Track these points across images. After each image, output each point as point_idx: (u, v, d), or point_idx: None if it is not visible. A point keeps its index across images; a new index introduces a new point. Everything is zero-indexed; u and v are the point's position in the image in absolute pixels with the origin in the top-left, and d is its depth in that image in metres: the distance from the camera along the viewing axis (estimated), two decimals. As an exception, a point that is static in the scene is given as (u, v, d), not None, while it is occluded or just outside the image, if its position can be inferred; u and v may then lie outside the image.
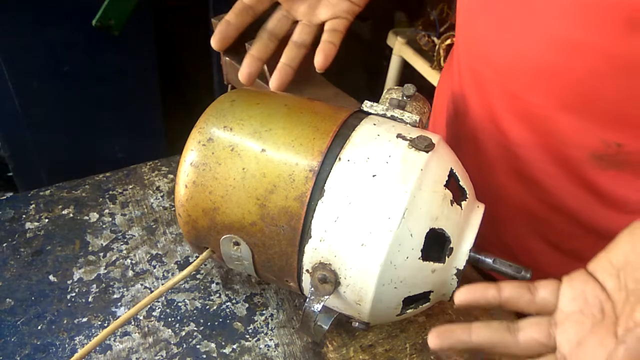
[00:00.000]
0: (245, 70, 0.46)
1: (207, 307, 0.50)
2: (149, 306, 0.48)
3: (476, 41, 0.49)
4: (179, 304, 0.50)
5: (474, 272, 0.54)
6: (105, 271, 0.52)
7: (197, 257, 0.46)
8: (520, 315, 0.35)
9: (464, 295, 0.34)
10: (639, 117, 0.41)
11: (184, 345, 0.47)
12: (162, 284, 0.47)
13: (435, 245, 0.38)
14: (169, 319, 0.48)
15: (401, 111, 0.43)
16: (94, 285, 0.51)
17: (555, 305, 0.33)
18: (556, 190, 0.49)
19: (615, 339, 0.30)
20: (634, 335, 0.27)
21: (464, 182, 0.40)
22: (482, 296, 0.34)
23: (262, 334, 0.48)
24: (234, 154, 0.40)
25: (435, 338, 0.33)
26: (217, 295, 0.51)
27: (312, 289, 0.39)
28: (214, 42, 0.45)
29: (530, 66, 0.44)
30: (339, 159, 0.38)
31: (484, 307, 0.35)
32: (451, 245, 0.38)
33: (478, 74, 0.50)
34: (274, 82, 0.46)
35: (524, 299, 0.34)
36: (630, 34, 0.37)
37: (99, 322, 0.48)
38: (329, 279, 0.38)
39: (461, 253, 0.38)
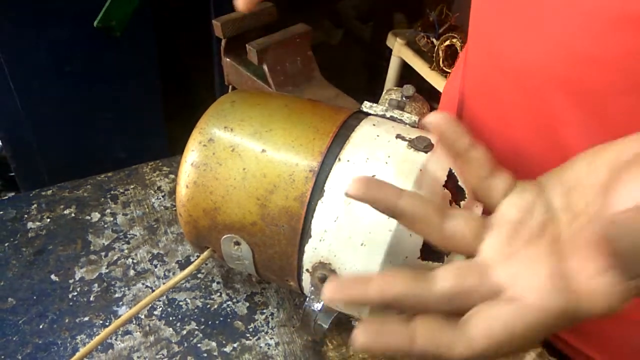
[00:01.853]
0: None
1: (208, 306, 0.50)
2: (150, 305, 0.48)
3: (491, 47, 0.48)
4: (180, 303, 0.50)
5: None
6: (107, 270, 0.52)
7: (198, 256, 0.46)
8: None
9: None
10: None
11: (185, 344, 0.47)
12: (164, 283, 0.48)
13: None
14: (170, 318, 0.49)
15: (400, 112, 0.43)
16: (96, 285, 0.51)
17: (498, 198, 0.30)
18: None
19: (552, 257, 0.26)
20: (605, 219, 0.23)
21: (463, 182, 0.41)
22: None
23: (263, 333, 0.48)
24: (234, 154, 0.41)
25: (358, 184, 0.28)
26: (218, 294, 0.51)
27: (312, 288, 0.39)
28: (239, 3, 0.40)
29: (545, 78, 0.42)
30: (339, 159, 0.38)
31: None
32: (450, 245, 0.38)
33: (491, 80, 0.49)
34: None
35: (482, 170, 0.30)
36: None
37: (101, 321, 0.48)
38: (328, 279, 0.38)
39: (460, 253, 0.39)
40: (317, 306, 0.39)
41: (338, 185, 0.38)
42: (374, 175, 0.37)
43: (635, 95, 0.38)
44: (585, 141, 0.43)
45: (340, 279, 0.27)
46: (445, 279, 0.27)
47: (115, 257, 0.54)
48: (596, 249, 0.22)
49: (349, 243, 0.37)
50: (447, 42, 1.34)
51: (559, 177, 0.30)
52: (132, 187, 0.61)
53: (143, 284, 0.51)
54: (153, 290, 0.50)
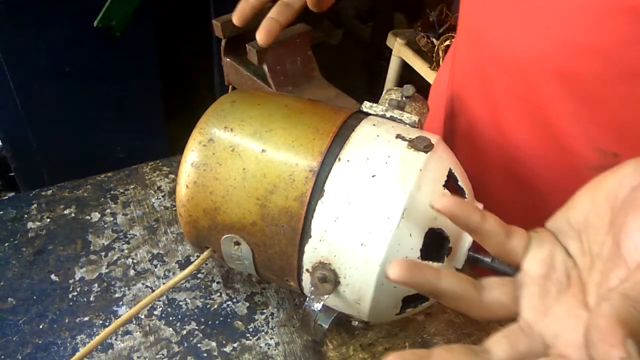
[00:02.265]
0: (264, 28, 0.45)
1: (208, 306, 0.50)
2: (150, 305, 0.48)
3: (482, 38, 0.49)
4: (180, 303, 0.50)
5: (473, 272, 0.54)
6: (107, 270, 0.52)
7: (198, 256, 0.46)
8: None
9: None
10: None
11: (185, 344, 0.47)
12: (164, 283, 0.48)
13: (435, 244, 0.38)
14: (170, 318, 0.49)
15: (400, 112, 0.43)
16: (96, 285, 0.51)
17: (520, 257, 0.31)
18: (552, 196, 0.48)
19: (584, 308, 0.28)
20: (617, 293, 0.24)
21: (463, 182, 0.41)
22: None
23: (263, 333, 0.48)
24: (234, 154, 0.41)
25: (399, 269, 0.29)
26: (218, 294, 0.51)
27: (312, 288, 0.39)
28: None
29: (538, 67, 0.43)
30: (339, 159, 0.38)
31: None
32: (450, 245, 0.38)
33: (482, 72, 0.50)
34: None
35: (498, 238, 0.31)
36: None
37: (101, 321, 0.48)
38: (328, 279, 0.38)
39: (460, 252, 0.39)
40: (317, 306, 0.39)
41: (338, 185, 0.38)
42: (374, 176, 0.37)
43: (626, 82, 0.39)
44: (578, 128, 0.43)
45: (400, 353, 0.27)
46: (500, 349, 0.28)
47: (115, 257, 0.54)
48: (612, 334, 0.23)
49: (349, 243, 0.37)
50: (447, 42, 1.34)
51: (567, 219, 0.31)
52: (132, 187, 0.61)
53: (143, 284, 0.51)
54: (153, 290, 0.50)
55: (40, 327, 0.47)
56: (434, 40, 1.41)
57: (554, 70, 0.42)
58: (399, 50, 1.51)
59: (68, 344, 0.46)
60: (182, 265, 0.53)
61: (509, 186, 0.51)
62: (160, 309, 0.49)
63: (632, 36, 0.37)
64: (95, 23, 1.01)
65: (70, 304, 0.49)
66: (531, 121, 0.46)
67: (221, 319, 0.49)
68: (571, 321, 0.28)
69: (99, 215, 0.57)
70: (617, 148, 0.42)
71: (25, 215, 0.57)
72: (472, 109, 0.52)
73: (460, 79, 0.54)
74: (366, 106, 0.44)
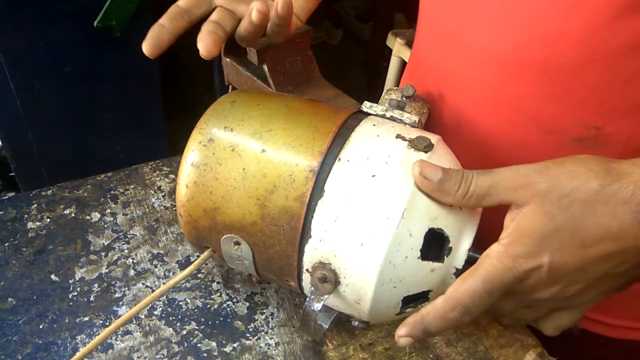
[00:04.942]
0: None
1: (208, 306, 0.50)
2: (150, 305, 0.48)
3: (453, 39, 0.49)
4: (180, 303, 0.50)
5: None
6: (107, 270, 0.52)
7: (198, 256, 0.46)
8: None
9: None
10: (617, 100, 0.42)
11: (185, 344, 0.47)
12: (164, 283, 0.48)
13: (435, 244, 0.38)
14: (170, 318, 0.49)
15: (400, 112, 0.43)
16: (96, 285, 0.51)
17: None
18: None
19: None
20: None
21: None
22: None
23: (263, 333, 0.48)
24: (234, 154, 0.41)
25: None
26: (218, 294, 0.51)
27: (312, 288, 0.39)
28: (145, 47, 0.42)
29: (515, 60, 0.44)
30: (339, 159, 0.38)
31: None
32: (450, 245, 0.38)
33: (450, 70, 0.50)
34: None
35: None
36: (613, 21, 0.38)
37: (101, 321, 0.48)
38: (328, 279, 0.38)
39: (460, 252, 0.39)
40: (317, 306, 0.39)
41: (338, 185, 0.38)
42: (374, 176, 0.37)
43: (602, 63, 0.40)
44: (560, 109, 0.46)
45: None
46: None
47: (115, 257, 0.54)
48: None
49: (349, 243, 0.37)
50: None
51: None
52: (132, 187, 0.61)
53: (143, 284, 0.51)
54: (153, 290, 0.50)
55: (40, 327, 0.47)
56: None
57: (532, 61, 0.43)
58: (399, 50, 1.51)
59: (68, 344, 0.46)
60: (182, 265, 0.53)
61: None
62: (160, 309, 0.49)
63: (601, 19, 0.38)
64: (95, 23, 1.01)
65: (70, 304, 0.49)
66: (511, 111, 0.47)
67: (221, 319, 0.49)
68: None
69: (99, 215, 0.57)
70: (599, 122, 0.43)
71: (25, 215, 0.57)
72: (442, 108, 0.52)
73: (424, 80, 0.54)
74: (366, 106, 0.44)
